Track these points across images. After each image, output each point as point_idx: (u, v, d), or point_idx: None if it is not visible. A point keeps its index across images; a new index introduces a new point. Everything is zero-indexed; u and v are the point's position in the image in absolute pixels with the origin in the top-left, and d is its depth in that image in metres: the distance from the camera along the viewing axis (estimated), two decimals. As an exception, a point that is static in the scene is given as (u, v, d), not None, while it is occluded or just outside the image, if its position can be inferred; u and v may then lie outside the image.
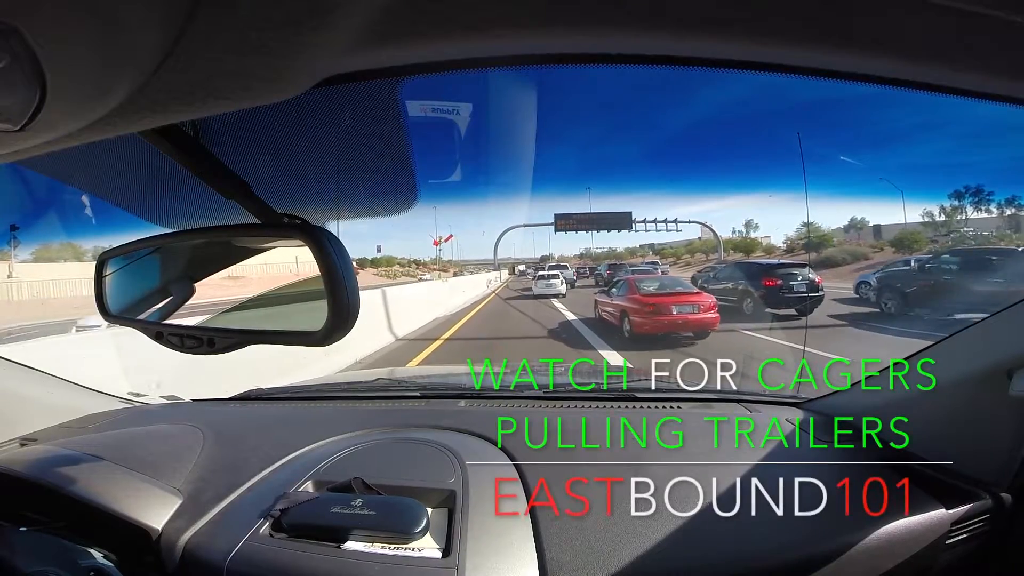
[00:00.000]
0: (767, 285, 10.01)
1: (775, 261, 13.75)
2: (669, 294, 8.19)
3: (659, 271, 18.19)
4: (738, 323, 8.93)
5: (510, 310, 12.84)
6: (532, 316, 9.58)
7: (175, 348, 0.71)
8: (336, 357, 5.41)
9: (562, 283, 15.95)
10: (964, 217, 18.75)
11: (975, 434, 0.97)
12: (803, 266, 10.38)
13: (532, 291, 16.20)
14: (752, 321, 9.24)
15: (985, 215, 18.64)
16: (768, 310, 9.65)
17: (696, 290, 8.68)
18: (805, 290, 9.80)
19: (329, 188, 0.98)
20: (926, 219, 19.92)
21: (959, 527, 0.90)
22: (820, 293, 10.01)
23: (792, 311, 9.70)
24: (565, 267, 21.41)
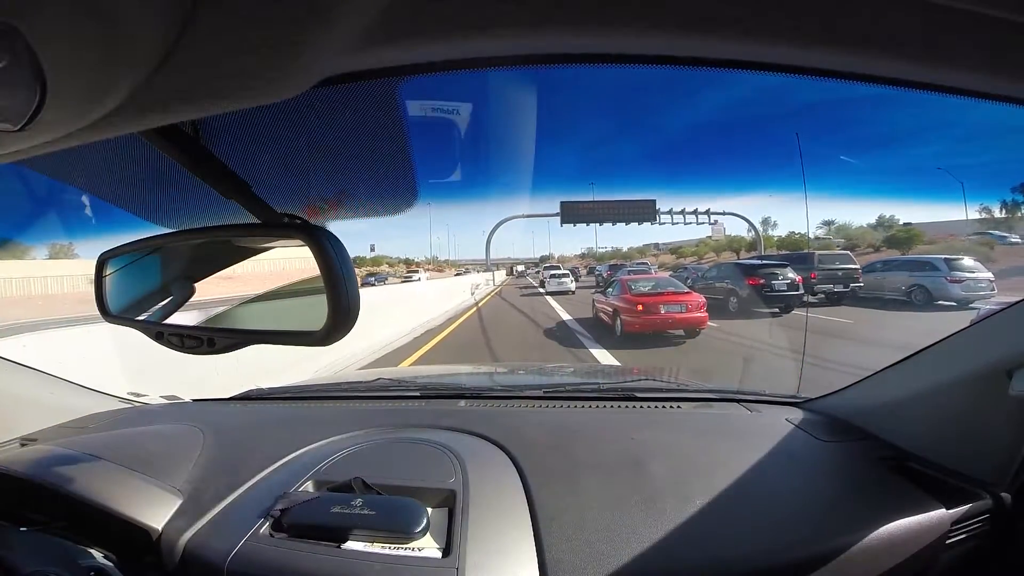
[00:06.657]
0: (751, 284, 10.51)
1: (757, 261, 13.94)
2: (658, 294, 8.33)
3: (651, 271, 19.55)
4: (724, 320, 9.33)
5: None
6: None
7: (175, 348, 0.71)
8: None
9: (572, 281, 18.37)
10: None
11: (975, 434, 0.97)
12: (784, 266, 10.77)
13: (544, 289, 18.53)
14: (737, 318, 9.73)
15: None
16: (753, 308, 10.17)
17: (686, 290, 8.81)
18: (786, 289, 10.33)
19: (329, 188, 0.98)
20: (984, 215, 19.74)
21: (959, 527, 0.90)
22: (800, 292, 10.49)
23: (775, 309, 10.23)
24: (558, 267, 22.79)
